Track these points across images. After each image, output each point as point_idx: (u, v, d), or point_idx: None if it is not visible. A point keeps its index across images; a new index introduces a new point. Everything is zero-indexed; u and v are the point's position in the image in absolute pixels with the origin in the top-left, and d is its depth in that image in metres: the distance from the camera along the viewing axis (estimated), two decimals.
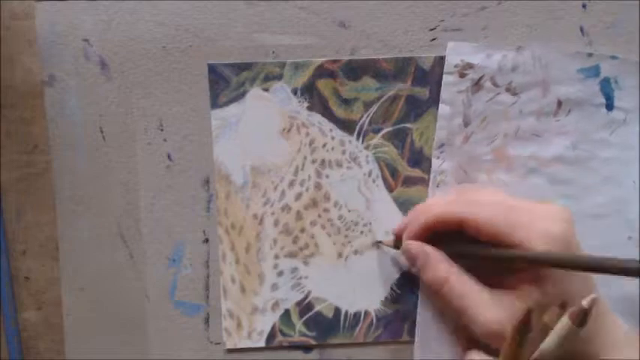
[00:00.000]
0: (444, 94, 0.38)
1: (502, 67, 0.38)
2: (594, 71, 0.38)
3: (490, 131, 0.38)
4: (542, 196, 0.38)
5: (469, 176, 0.38)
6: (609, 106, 0.38)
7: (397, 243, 0.38)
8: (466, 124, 0.38)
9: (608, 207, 0.38)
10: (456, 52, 0.38)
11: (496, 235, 0.32)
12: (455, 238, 0.35)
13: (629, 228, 0.39)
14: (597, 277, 0.33)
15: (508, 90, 0.38)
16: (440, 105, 0.38)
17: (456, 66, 0.38)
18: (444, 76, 0.38)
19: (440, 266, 0.34)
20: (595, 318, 0.29)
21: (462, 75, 0.38)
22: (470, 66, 0.37)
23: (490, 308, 0.32)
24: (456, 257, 0.35)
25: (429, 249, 0.35)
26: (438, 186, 0.38)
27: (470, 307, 0.32)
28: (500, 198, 0.35)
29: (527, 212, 0.32)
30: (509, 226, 0.32)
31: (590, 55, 0.38)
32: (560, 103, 0.38)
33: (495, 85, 0.38)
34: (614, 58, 0.38)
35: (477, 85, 0.38)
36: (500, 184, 0.38)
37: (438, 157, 0.38)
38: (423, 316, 0.39)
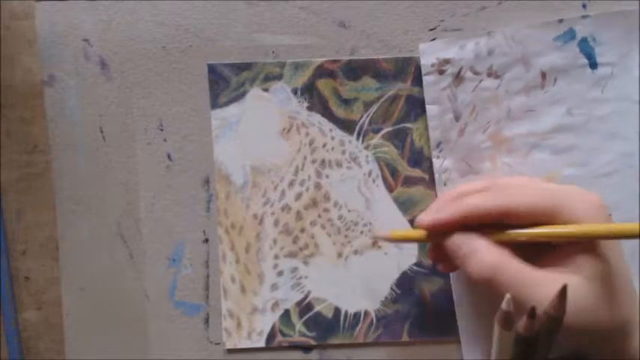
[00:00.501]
0: (428, 94, 0.38)
1: (478, 54, 0.38)
2: (570, 35, 0.38)
3: (482, 119, 0.38)
4: (550, 168, 0.38)
5: (473, 168, 0.38)
6: (593, 65, 0.38)
7: (419, 236, 0.35)
8: (457, 118, 0.38)
9: (617, 163, 0.38)
10: (430, 52, 0.38)
11: (539, 218, 0.31)
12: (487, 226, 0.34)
13: None
14: None
15: (490, 75, 0.38)
16: (427, 107, 0.38)
17: (432, 65, 0.38)
18: (424, 78, 0.38)
19: (488, 254, 0.32)
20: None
21: (441, 72, 0.38)
22: (446, 61, 0.38)
23: (545, 287, 0.30)
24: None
25: (472, 237, 0.32)
26: (445, 184, 0.38)
27: (525, 290, 0.30)
28: (536, 183, 0.34)
29: (560, 190, 0.32)
30: (551, 206, 0.31)
31: (560, 21, 0.38)
32: (544, 75, 0.38)
33: (476, 73, 0.38)
34: (585, 17, 0.38)
35: (458, 77, 0.38)
36: (504, 167, 0.38)
37: (438, 157, 0.38)
38: (462, 314, 0.39)
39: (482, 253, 0.32)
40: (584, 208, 0.31)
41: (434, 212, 0.34)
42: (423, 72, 0.38)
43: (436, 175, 0.39)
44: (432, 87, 0.38)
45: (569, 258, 0.31)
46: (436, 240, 0.34)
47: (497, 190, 0.34)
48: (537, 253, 0.33)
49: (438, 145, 0.38)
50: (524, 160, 0.38)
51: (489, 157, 0.38)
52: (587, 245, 0.31)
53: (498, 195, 0.33)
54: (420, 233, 0.34)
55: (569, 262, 0.31)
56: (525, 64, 0.38)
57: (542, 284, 0.30)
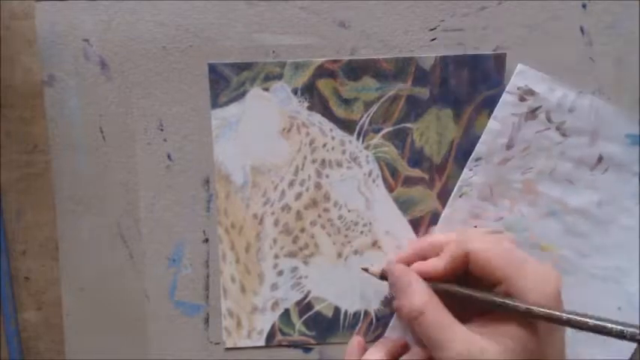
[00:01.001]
0: (499, 111, 0.38)
1: (561, 104, 0.38)
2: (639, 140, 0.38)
3: (528, 162, 0.38)
4: (554, 241, 0.39)
5: (493, 197, 0.38)
6: None
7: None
8: (509, 147, 0.38)
9: (610, 272, 0.39)
10: (523, 75, 0.38)
11: (491, 272, 0.32)
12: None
13: (622, 299, 0.39)
14: None
15: (558, 129, 0.38)
16: (490, 120, 0.38)
17: (519, 88, 0.38)
18: (504, 94, 0.38)
19: (417, 295, 0.33)
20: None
21: (522, 99, 0.38)
22: (531, 93, 0.38)
23: (463, 344, 0.31)
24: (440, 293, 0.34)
25: (412, 275, 0.34)
26: (460, 196, 0.38)
27: (442, 341, 0.31)
28: (500, 241, 0.35)
29: (524, 256, 0.33)
30: (507, 263, 0.32)
31: None
32: (600, 159, 0.38)
33: (549, 119, 0.38)
34: None
35: (533, 113, 0.38)
36: (518, 214, 0.39)
37: (471, 170, 0.38)
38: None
39: (413, 293, 0.33)
40: (535, 285, 0.31)
41: (406, 257, 0.36)
42: (507, 89, 0.38)
43: (458, 184, 0.39)
44: (507, 106, 0.38)
45: (502, 324, 0.31)
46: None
47: (462, 236, 0.34)
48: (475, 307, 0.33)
49: (478, 159, 0.38)
50: (538, 220, 0.39)
51: (512, 198, 0.39)
52: (523, 320, 0.31)
53: (461, 239, 0.33)
54: None
55: (499, 328, 0.31)
56: (592, 140, 0.38)
57: (456, 341, 0.31)
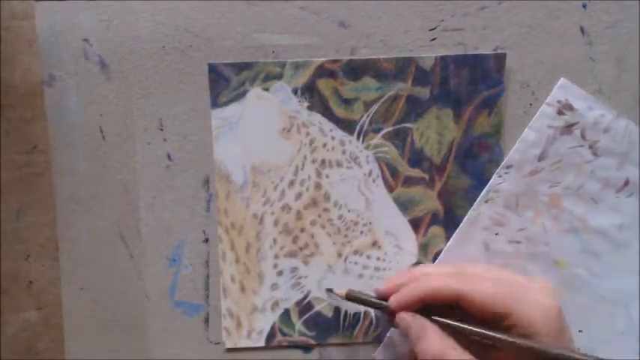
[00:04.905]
0: (536, 122, 0.38)
1: (597, 123, 0.38)
2: None
3: (557, 176, 0.38)
4: (570, 259, 0.39)
5: (518, 207, 0.38)
6: None
7: (377, 303, 0.36)
8: (541, 158, 0.38)
9: (619, 296, 0.39)
10: (564, 90, 0.38)
11: (492, 310, 0.33)
12: (445, 311, 0.35)
13: (626, 324, 0.39)
14: None
15: (591, 147, 0.38)
16: (526, 130, 0.38)
17: (558, 101, 0.38)
18: (544, 106, 0.38)
19: (435, 340, 0.33)
20: None
21: (560, 112, 0.38)
22: (570, 108, 0.38)
23: None
24: (447, 330, 0.34)
25: (423, 321, 0.34)
26: (486, 202, 0.38)
27: None
28: (496, 273, 0.35)
29: (521, 287, 0.33)
30: (503, 303, 0.32)
31: None
32: (627, 183, 0.39)
33: (583, 137, 0.38)
34: None
35: (568, 128, 0.38)
36: (540, 226, 0.39)
37: (500, 176, 0.38)
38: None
39: (428, 340, 0.33)
40: (537, 316, 0.32)
41: (394, 285, 0.35)
42: (547, 101, 0.38)
43: (485, 190, 0.38)
44: (544, 118, 0.38)
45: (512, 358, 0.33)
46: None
47: (459, 275, 0.35)
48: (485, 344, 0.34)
49: (509, 167, 0.38)
50: (558, 235, 0.39)
51: (536, 210, 0.39)
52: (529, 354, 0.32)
53: (456, 281, 0.34)
54: (378, 302, 0.36)
55: None
56: (621, 163, 0.38)
57: None
